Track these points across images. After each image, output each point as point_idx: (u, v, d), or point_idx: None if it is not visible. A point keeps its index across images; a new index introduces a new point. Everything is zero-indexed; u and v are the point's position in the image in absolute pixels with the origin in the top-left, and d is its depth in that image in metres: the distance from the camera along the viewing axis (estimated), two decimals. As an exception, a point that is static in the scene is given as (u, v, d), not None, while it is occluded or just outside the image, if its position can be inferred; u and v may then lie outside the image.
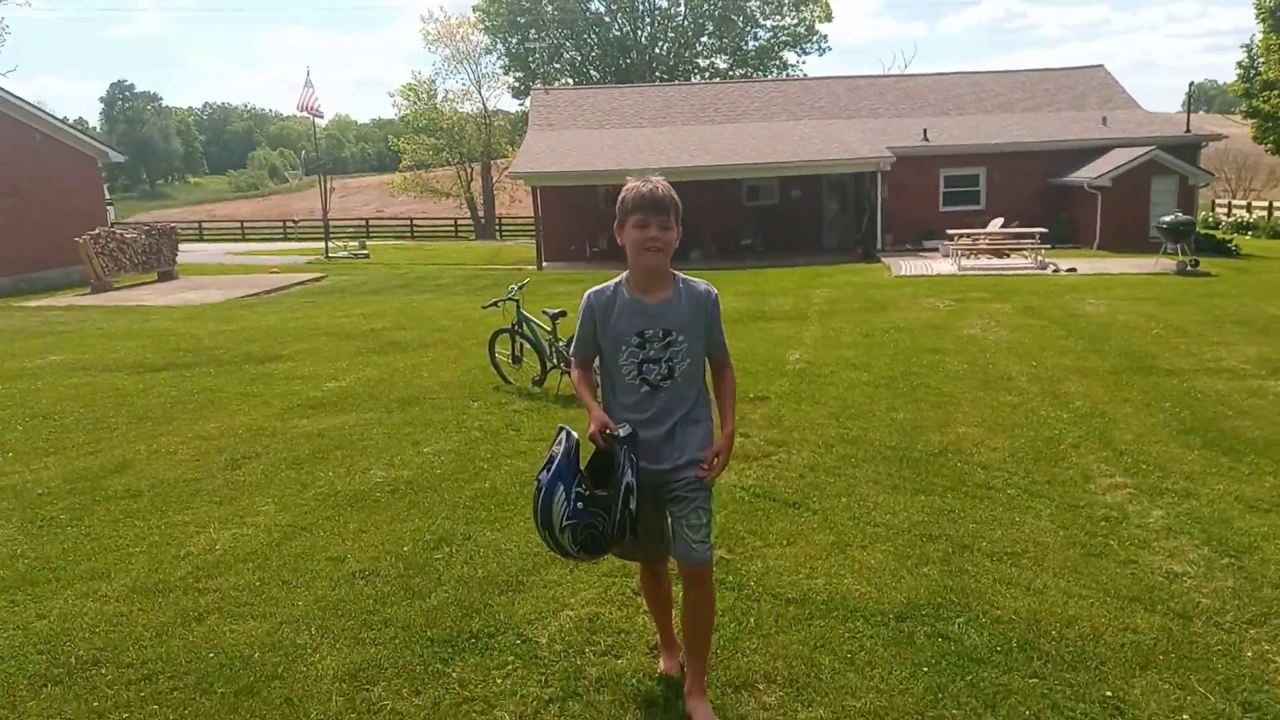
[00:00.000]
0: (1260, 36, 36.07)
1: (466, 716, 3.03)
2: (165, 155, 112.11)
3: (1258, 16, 37.01)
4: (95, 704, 3.14)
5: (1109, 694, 3.08)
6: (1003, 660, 3.32)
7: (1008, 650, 3.39)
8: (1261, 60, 35.60)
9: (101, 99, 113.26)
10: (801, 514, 4.97)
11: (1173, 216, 19.84)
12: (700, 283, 3.06)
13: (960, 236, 22.40)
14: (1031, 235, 21.66)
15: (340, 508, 5.25)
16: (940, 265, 21.64)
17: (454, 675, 3.28)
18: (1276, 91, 27.03)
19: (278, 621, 3.75)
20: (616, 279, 3.05)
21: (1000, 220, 24.57)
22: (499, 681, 3.25)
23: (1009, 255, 22.13)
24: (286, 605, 3.92)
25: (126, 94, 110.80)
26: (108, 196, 28.82)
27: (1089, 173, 25.63)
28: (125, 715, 3.07)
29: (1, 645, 3.60)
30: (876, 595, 3.91)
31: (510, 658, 3.41)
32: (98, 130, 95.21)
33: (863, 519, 4.87)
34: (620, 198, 2.95)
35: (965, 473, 5.70)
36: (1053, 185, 27.28)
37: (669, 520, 3.00)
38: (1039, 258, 21.02)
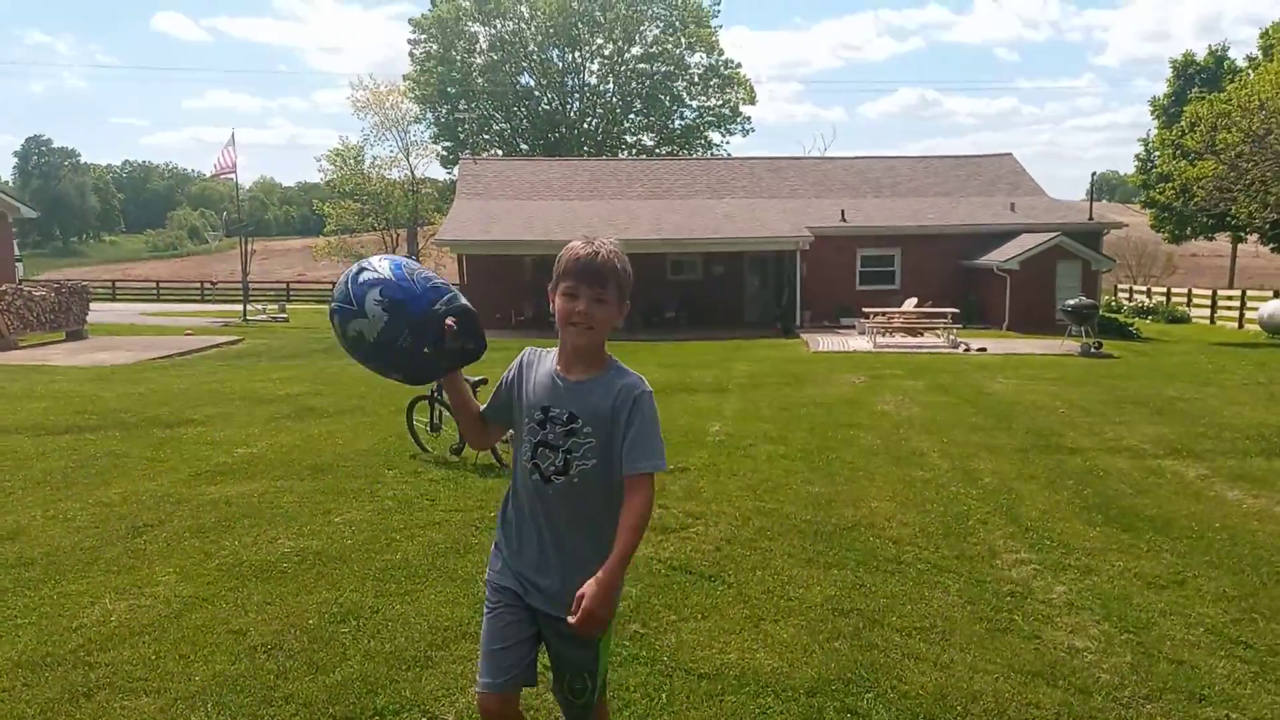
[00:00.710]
0: (1155, 132, 38.21)
1: (367, 797, 2.94)
2: (80, 212, 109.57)
3: (1152, 113, 39.23)
4: (-31, 787, 2.98)
5: (1011, 768, 3.13)
6: (910, 735, 3.35)
7: (915, 726, 3.43)
8: (1157, 154, 37.68)
9: (15, 153, 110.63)
10: (717, 587, 4.98)
11: (1077, 300, 20.70)
12: (632, 374, 2.54)
13: (876, 314, 22.99)
14: (944, 315, 22.35)
15: (245, 578, 5.09)
16: (856, 342, 22.16)
17: (355, 754, 3.19)
18: (1170, 184, 28.55)
19: (172, 698, 3.61)
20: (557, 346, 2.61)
21: (914, 300, 25.31)
22: (402, 760, 3.16)
23: (922, 334, 22.77)
24: (183, 680, 3.77)
25: (42, 149, 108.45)
26: (16, 252, 27.97)
27: (998, 256, 26.64)
28: (1, 798, 2.91)
29: None
30: (788, 670, 3.92)
31: (415, 735, 3.33)
32: (10, 185, 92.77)
33: (776, 593, 4.90)
34: (557, 257, 2.53)
35: (877, 547, 5.78)
36: (964, 267, 28.25)
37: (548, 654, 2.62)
38: (951, 337, 21.67)
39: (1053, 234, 26.31)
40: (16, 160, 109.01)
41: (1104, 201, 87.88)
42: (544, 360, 2.61)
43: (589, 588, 2.28)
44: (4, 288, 21.04)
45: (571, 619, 2.26)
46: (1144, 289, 38.73)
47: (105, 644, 4.15)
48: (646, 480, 2.43)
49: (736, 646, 4.18)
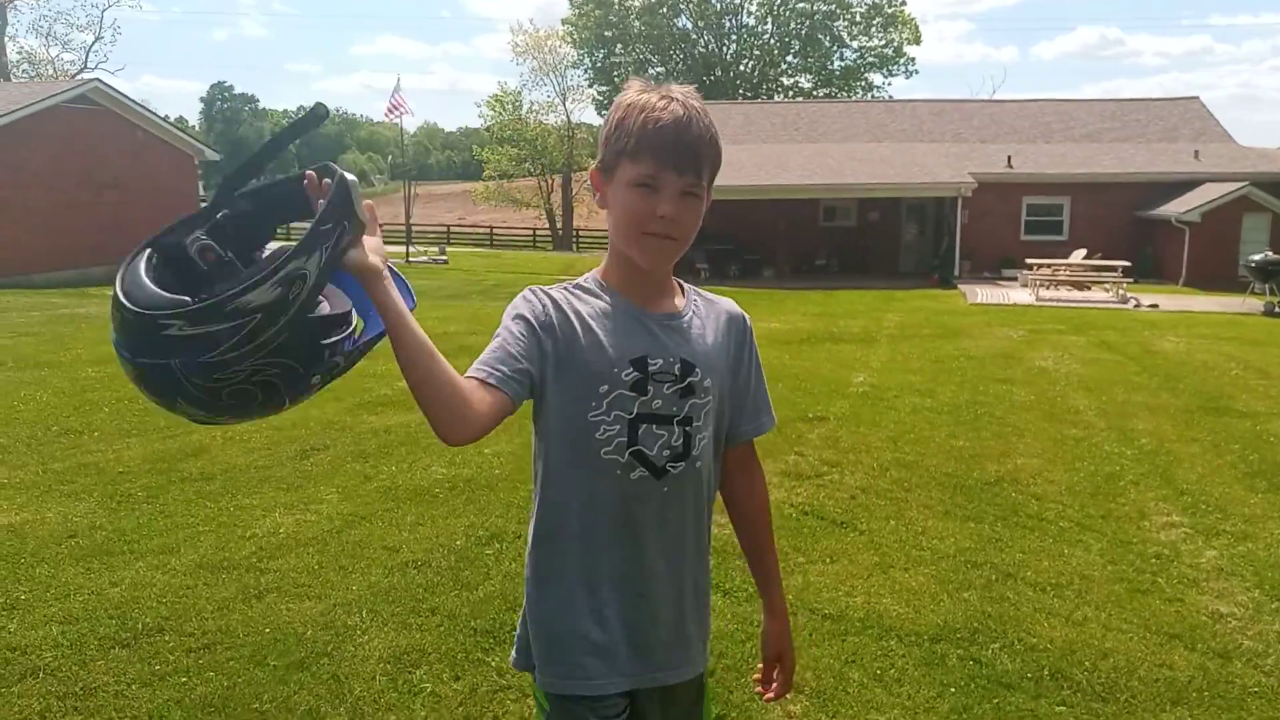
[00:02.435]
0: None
1: (500, 704, 3.16)
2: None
3: (1367, 52, 35.71)
4: (157, 668, 3.35)
5: (1135, 726, 3.09)
6: (1033, 687, 3.34)
7: (1039, 678, 3.41)
8: (1369, 98, 34.40)
9: (202, 99, 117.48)
10: (848, 534, 5.01)
11: (1262, 255, 19.31)
12: (724, 300, 1.80)
13: (1040, 267, 22.05)
14: (1114, 269, 21.23)
15: (400, 501, 5.44)
16: (1018, 295, 21.33)
17: (493, 664, 3.41)
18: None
19: (331, 603, 3.94)
20: (583, 278, 1.71)
21: (1083, 252, 24.12)
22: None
23: (1089, 288, 21.71)
24: (341, 589, 4.11)
25: (225, 95, 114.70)
26: (202, 193, 29.91)
27: (1177, 207, 25.01)
28: (183, 680, 3.27)
29: (76, 608, 3.85)
30: (913, 616, 3.94)
31: (548, 652, 3.54)
32: (196, 129, 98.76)
33: (909, 542, 4.90)
34: (617, 119, 1.60)
35: (1019, 503, 5.67)
36: (1139, 218, 26.67)
37: None
38: (1121, 292, 20.60)
39: (1240, 184, 24.48)
40: (202, 105, 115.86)
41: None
42: (588, 295, 1.67)
43: (783, 643, 1.81)
44: (192, 226, 22.53)
45: (769, 694, 1.80)
46: (1344, 244, 35.68)
47: (275, 552, 4.55)
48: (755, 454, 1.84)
49: (863, 590, 4.22)
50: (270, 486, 5.71)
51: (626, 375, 1.59)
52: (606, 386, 1.59)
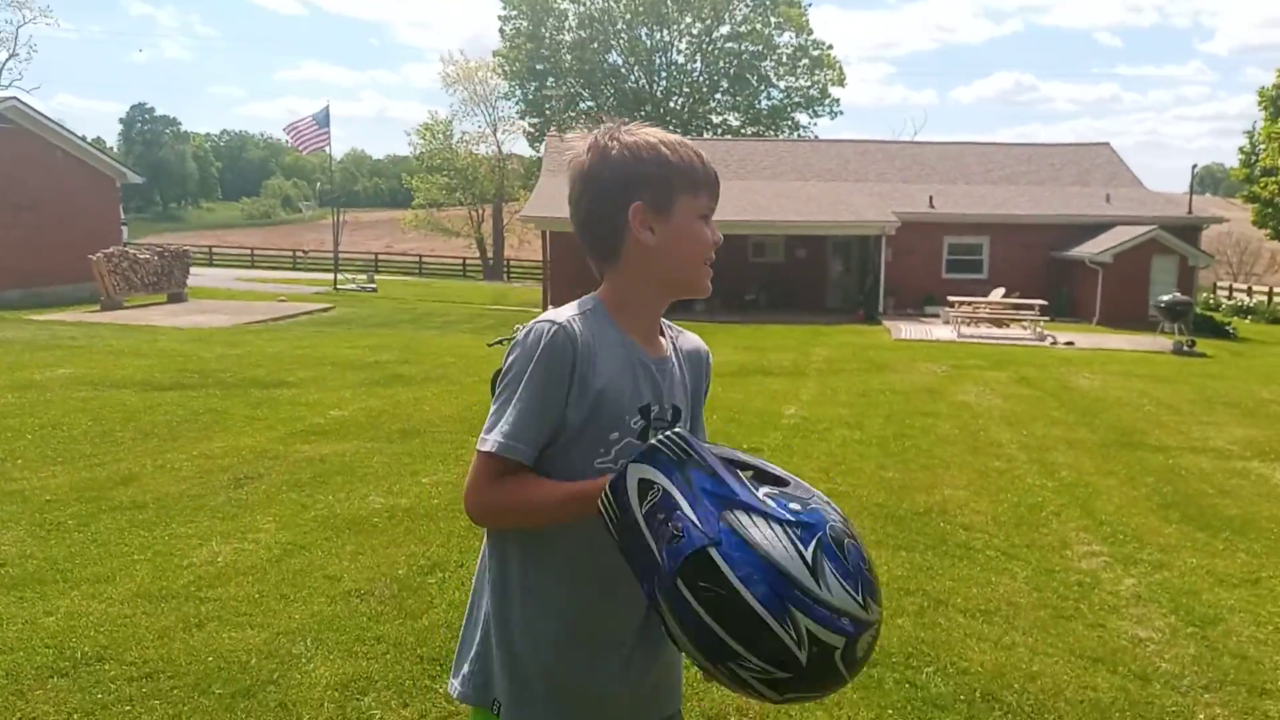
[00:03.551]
0: (1262, 124, 36.77)
1: (452, 730, 3.19)
2: (180, 179, 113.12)
3: (1260, 104, 37.75)
4: (99, 696, 3.30)
5: (1064, 744, 3.24)
6: (965, 708, 3.47)
7: (971, 700, 3.55)
8: (1263, 147, 36.27)
9: (121, 120, 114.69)
10: (785, 562, 5.13)
11: (1171, 296, 20.17)
12: (694, 337, 1.86)
13: (961, 304, 22.69)
14: (1031, 307, 21.96)
15: (339, 530, 5.41)
16: (940, 331, 21.92)
17: (440, 691, 3.43)
18: (1275, 179, 27.48)
19: (275, 632, 3.91)
20: (586, 303, 1.68)
21: (1002, 290, 24.90)
22: (484, 699, 3.41)
23: (1008, 325, 22.41)
24: (284, 617, 4.08)
25: (146, 116, 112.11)
26: (122, 216, 29.20)
27: (1091, 248, 26.01)
28: (127, 709, 3.23)
29: (10, 637, 3.76)
30: (851, 641, 4.06)
31: (496, 679, 3.57)
32: (115, 151, 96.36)
33: (844, 570, 5.02)
34: (657, 157, 1.64)
35: (947, 532, 5.86)
36: (1055, 259, 27.65)
37: None
38: (1038, 329, 21.29)
39: (1149, 227, 25.58)
40: (121, 127, 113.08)
41: (1206, 195, 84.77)
42: (607, 336, 1.63)
43: None
44: (111, 250, 22.04)
45: None
46: (1244, 287, 37.40)
47: (214, 581, 4.49)
48: None
49: (802, 617, 4.33)
50: (205, 515, 5.62)
51: (635, 424, 1.63)
52: (617, 434, 1.61)
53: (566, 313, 1.63)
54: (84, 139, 27.04)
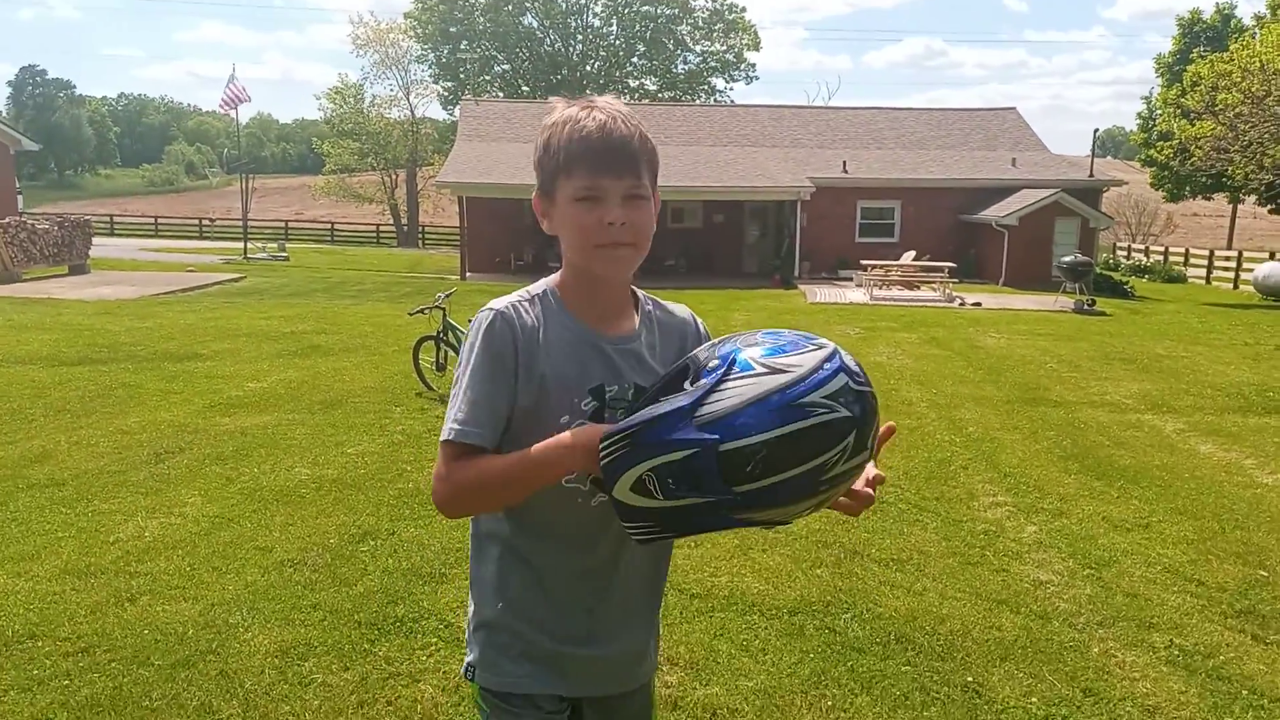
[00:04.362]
0: (1159, 90, 38.13)
1: (393, 689, 3.28)
2: (77, 145, 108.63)
3: (1156, 70, 39.12)
4: (35, 672, 3.31)
5: (970, 679, 3.48)
6: (881, 650, 3.70)
7: (886, 642, 3.77)
8: (1159, 112, 37.63)
9: (9, 83, 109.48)
10: (709, 520, 5.31)
11: (1072, 257, 20.92)
12: (677, 306, 1.85)
13: (873, 267, 23.21)
14: (940, 269, 22.57)
15: (266, 502, 5.42)
16: (854, 294, 22.40)
17: (380, 654, 3.53)
18: (1170, 143, 28.61)
19: (209, 603, 3.94)
20: (537, 287, 1.69)
21: (913, 253, 25.50)
22: (423, 659, 3.51)
23: (919, 288, 23.01)
24: (217, 589, 4.11)
25: (37, 80, 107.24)
26: (17, 185, 28.02)
27: (997, 211, 26.78)
28: (65, 683, 3.25)
29: (-63, 618, 3.72)
30: (773, 593, 4.26)
31: (434, 640, 3.67)
32: (5, 116, 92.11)
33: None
34: (544, 141, 1.62)
35: (862, 488, 6.11)
36: (963, 222, 28.41)
37: None
38: (947, 291, 21.91)
39: (1052, 191, 26.44)
40: (10, 91, 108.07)
41: (1108, 158, 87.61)
42: (544, 316, 1.65)
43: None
44: (7, 220, 21.18)
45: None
46: (1142, 248, 38.91)
47: (142, 556, 4.48)
48: None
49: (726, 571, 4.52)
50: (127, 491, 5.57)
51: (586, 405, 1.61)
52: (568, 417, 1.60)
53: (512, 298, 1.65)
54: (-28, 104, 25.81)
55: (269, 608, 3.91)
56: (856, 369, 1.45)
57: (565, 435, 1.51)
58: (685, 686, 3.38)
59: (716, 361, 1.46)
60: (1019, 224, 25.97)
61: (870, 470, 1.55)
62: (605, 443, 1.42)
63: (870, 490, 1.55)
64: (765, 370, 1.41)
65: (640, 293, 1.76)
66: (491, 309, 1.61)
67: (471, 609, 1.80)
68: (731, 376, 1.42)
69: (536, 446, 1.52)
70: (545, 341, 1.62)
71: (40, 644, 3.53)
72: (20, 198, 29.39)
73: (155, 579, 4.20)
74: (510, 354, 1.58)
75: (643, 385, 1.64)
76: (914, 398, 9.47)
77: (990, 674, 3.53)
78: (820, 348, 1.45)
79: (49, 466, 6.05)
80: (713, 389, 1.41)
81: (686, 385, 1.47)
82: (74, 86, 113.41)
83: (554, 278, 1.69)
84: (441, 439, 1.55)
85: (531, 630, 1.70)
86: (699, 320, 1.83)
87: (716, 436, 1.37)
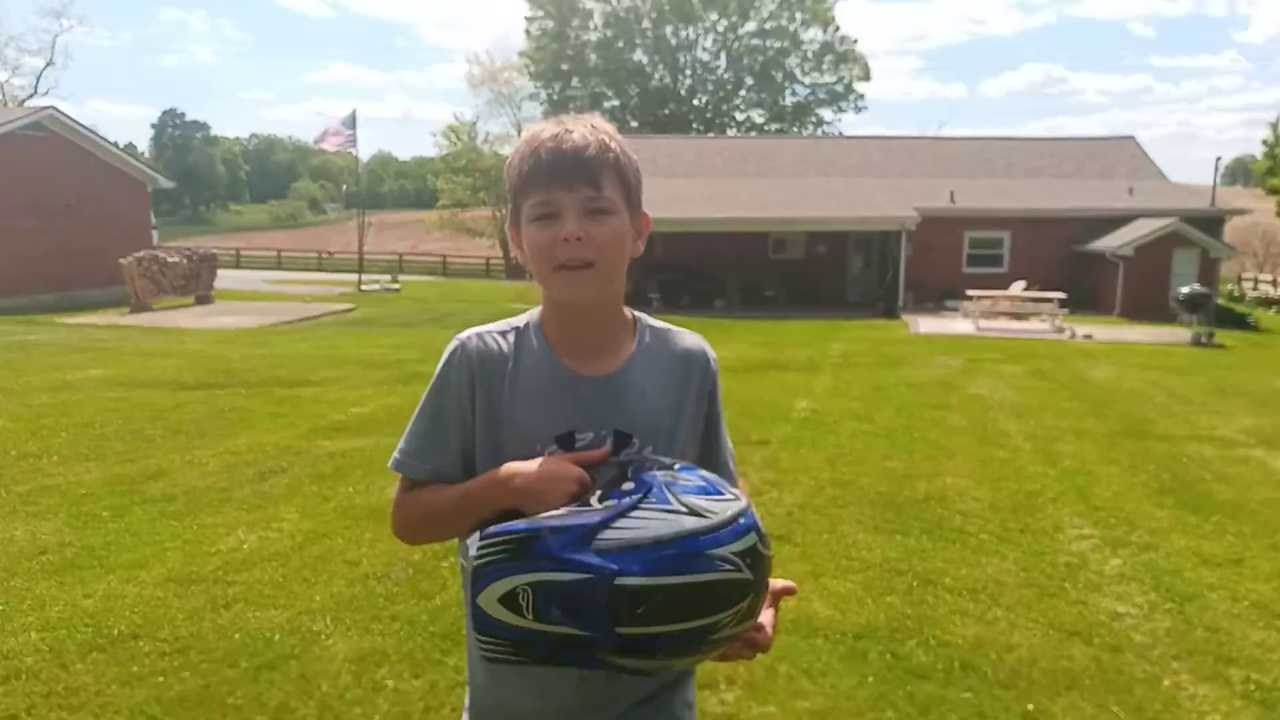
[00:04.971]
0: (1289, 115, 36.37)
1: (458, 697, 3.43)
2: (210, 182, 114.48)
3: (1288, 95, 37.29)
4: (135, 669, 3.58)
5: (1031, 707, 3.45)
6: (943, 676, 3.68)
7: (950, 669, 3.76)
8: (1287, 139, 35.95)
9: (152, 125, 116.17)
10: (783, 546, 5.34)
11: (1190, 288, 20.16)
12: (685, 334, 1.64)
13: (980, 298, 22.76)
14: (1050, 299, 21.98)
15: (358, 519, 5.68)
16: (959, 325, 22.00)
17: (450, 664, 3.68)
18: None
19: (296, 611, 4.18)
20: (523, 317, 1.59)
21: (1022, 283, 24.92)
22: (489, 670, 3.65)
23: (1028, 318, 22.45)
24: (305, 598, 4.35)
25: (176, 121, 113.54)
26: (153, 220, 29.76)
27: (1112, 241, 25.98)
28: (160, 680, 3.50)
29: (53, 616, 4.05)
30: (840, 618, 4.28)
31: (501, 652, 3.81)
32: (146, 155, 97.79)
33: (839, 554, 5.24)
34: (510, 165, 1.53)
35: (944, 518, 6.05)
36: (1076, 252, 27.63)
37: None
38: (1057, 322, 21.33)
39: (1170, 219, 25.52)
40: (153, 132, 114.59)
41: (1237, 187, 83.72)
42: (518, 347, 1.54)
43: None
44: (141, 254, 22.54)
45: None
46: (1270, 279, 37.07)
47: (240, 567, 4.77)
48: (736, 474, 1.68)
49: (797, 596, 4.54)
50: (231, 507, 5.91)
51: (552, 454, 1.47)
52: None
53: (489, 326, 1.57)
54: (116, 145, 27.63)
55: (350, 617, 4.13)
56: (763, 530, 1.37)
57: (498, 469, 1.43)
58: (741, 704, 3.44)
59: (631, 485, 1.34)
60: (1134, 254, 25.14)
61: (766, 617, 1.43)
62: (486, 541, 1.29)
63: (762, 635, 1.42)
64: (682, 509, 1.30)
65: (644, 319, 1.61)
66: (458, 338, 1.54)
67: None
68: (645, 505, 1.30)
69: (461, 487, 1.47)
70: (512, 378, 1.51)
71: (141, 643, 3.81)
72: (155, 232, 31.20)
73: (249, 588, 4.47)
74: (465, 388, 1.50)
75: (625, 432, 1.50)
76: (1010, 429, 9.28)
77: (1053, 703, 3.49)
78: (736, 499, 1.36)
79: (163, 483, 6.46)
80: (623, 514, 1.29)
81: (593, 500, 1.34)
82: (209, 127, 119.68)
83: (539, 308, 1.58)
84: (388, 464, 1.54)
85: (509, 693, 1.54)
86: (710, 352, 1.65)
87: (615, 568, 1.24)
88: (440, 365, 1.53)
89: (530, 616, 1.26)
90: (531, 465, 1.42)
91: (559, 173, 1.44)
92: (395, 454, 1.54)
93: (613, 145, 1.49)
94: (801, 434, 8.74)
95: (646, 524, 1.27)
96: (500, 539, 1.28)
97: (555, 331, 1.55)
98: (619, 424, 1.50)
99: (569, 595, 1.24)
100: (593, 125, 1.50)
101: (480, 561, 1.28)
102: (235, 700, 3.36)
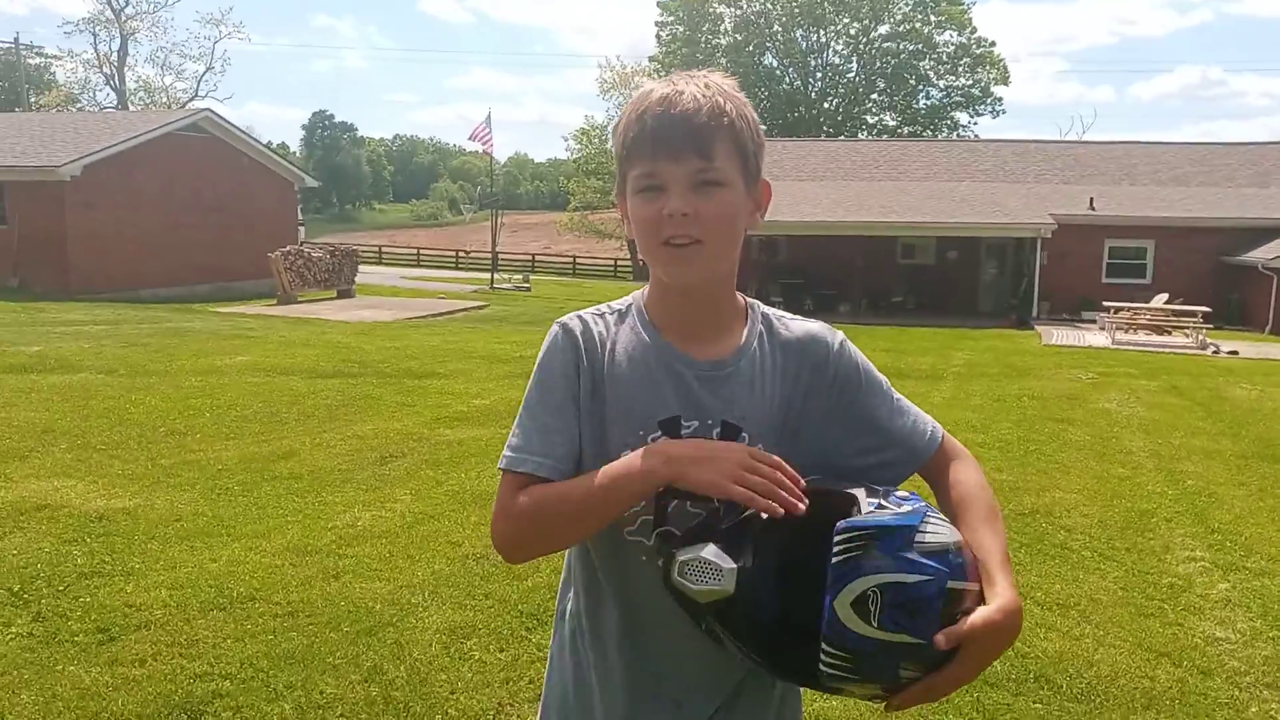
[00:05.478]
0: None
1: (537, 671, 3.62)
2: (355, 182, 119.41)
3: None
4: (249, 627, 3.92)
5: (1100, 722, 3.42)
6: (1014, 686, 3.68)
7: (1023, 680, 3.75)
8: None
9: (303, 126, 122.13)
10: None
11: (1351, 305, 18.91)
12: (806, 322, 1.52)
13: (1118, 310, 21.87)
14: (1195, 314, 20.96)
15: (465, 504, 5.97)
16: (1094, 337, 21.20)
17: (534, 640, 3.88)
18: None
19: (398, 585, 4.47)
20: (625, 300, 1.51)
21: (1165, 296, 23.81)
22: (570, 650, 3.85)
23: (1169, 333, 21.46)
24: (408, 573, 4.63)
25: (326, 123, 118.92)
26: (300, 217, 31.37)
27: (1265, 253, 24.55)
28: (270, 638, 3.82)
29: (181, 577, 4.45)
30: (921, 624, 4.29)
31: (584, 634, 4.01)
32: (297, 155, 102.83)
33: (931, 561, 5.22)
34: (618, 131, 1.40)
35: (1047, 533, 5.95)
36: (1225, 264, 26.22)
37: None
38: (1200, 337, 20.33)
39: (1332, 231, 23.99)
40: (304, 133, 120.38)
41: None
42: (620, 331, 1.45)
43: (985, 614, 1.21)
44: (288, 249, 23.82)
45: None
46: None
47: (352, 541, 5.11)
48: (951, 441, 1.53)
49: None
50: (351, 487, 6.30)
51: (656, 440, 1.36)
52: (629, 453, 1.33)
53: (589, 310, 1.48)
54: (268, 145, 29.32)
55: (447, 592, 4.39)
56: None
57: (634, 454, 1.30)
58: (804, 705, 3.52)
59: (904, 493, 1.29)
60: (1290, 267, 23.71)
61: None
62: (844, 536, 1.19)
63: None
64: (946, 521, 1.27)
65: (758, 305, 1.51)
66: (557, 322, 1.47)
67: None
68: (932, 512, 1.25)
69: (610, 465, 1.32)
70: (613, 358, 1.41)
71: (257, 605, 4.15)
72: (302, 229, 32.89)
73: (359, 561, 4.78)
74: (573, 372, 1.41)
75: (734, 424, 1.38)
76: (1134, 446, 8.98)
77: (1126, 720, 3.46)
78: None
79: (292, 463, 6.91)
80: (928, 516, 1.23)
81: (878, 500, 1.25)
82: (356, 129, 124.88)
83: (644, 289, 1.49)
84: (499, 466, 1.39)
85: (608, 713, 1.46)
86: (836, 337, 1.49)
87: (946, 569, 1.19)
88: (542, 354, 1.44)
89: (875, 624, 1.17)
90: (679, 441, 1.34)
91: (665, 142, 1.31)
92: (506, 452, 1.39)
93: (728, 108, 1.33)
94: (910, 442, 8.66)
95: (944, 529, 1.24)
96: (857, 533, 1.19)
97: (660, 312, 1.44)
98: (727, 415, 1.39)
99: (911, 599, 1.18)
100: (706, 84, 1.34)
101: (841, 558, 1.18)
102: (334, 660, 3.64)
